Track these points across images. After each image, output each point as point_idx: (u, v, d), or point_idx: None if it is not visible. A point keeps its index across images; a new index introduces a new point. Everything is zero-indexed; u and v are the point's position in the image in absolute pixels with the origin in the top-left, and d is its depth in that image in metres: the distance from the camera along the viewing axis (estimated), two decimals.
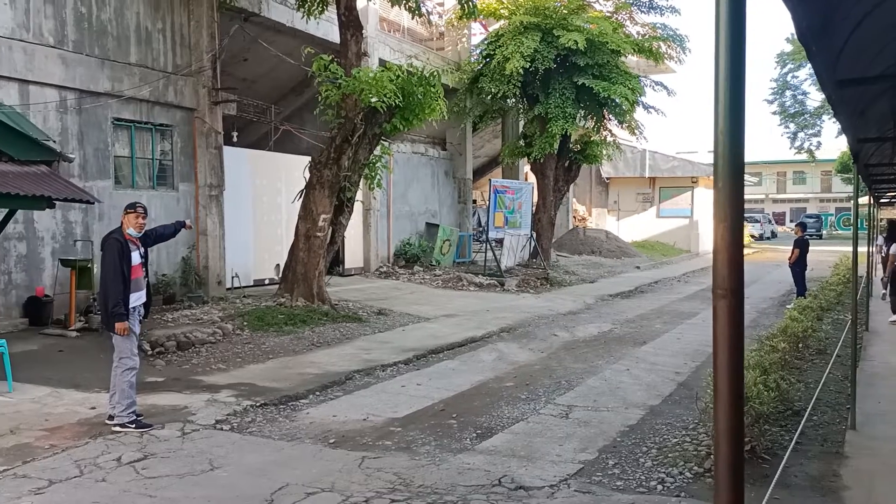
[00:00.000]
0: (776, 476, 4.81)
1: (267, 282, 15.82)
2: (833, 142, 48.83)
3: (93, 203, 9.75)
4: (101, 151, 11.98)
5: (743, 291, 1.57)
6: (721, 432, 1.58)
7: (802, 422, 6.25)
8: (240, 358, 9.40)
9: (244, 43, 15.02)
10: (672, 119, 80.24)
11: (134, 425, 6.37)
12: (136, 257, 6.59)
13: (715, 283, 1.58)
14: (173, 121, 13.33)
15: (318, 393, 7.97)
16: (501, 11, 20.25)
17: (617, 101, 19.52)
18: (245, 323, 10.97)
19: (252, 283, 15.54)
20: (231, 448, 6.07)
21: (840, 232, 56.34)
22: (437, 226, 21.84)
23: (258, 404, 7.33)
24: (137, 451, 5.87)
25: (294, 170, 14.68)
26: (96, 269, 10.73)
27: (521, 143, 21.51)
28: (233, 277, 14.75)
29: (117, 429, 6.35)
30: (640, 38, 21.25)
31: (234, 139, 15.89)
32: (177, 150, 13.45)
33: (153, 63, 12.84)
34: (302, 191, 12.84)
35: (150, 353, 9.17)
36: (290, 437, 6.42)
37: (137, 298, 6.64)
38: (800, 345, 9.32)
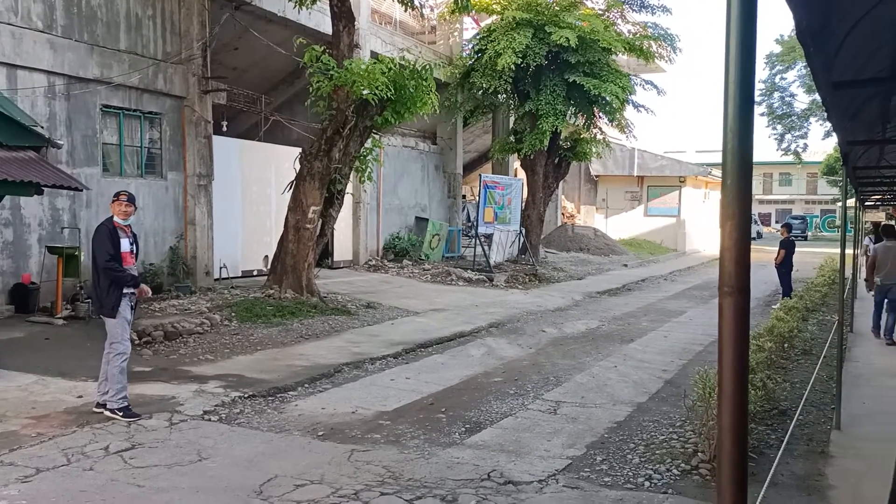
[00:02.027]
0: (770, 475, 4.85)
1: (255, 273, 15.75)
2: (819, 144, 49.27)
3: (81, 190, 9.66)
4: (90, 138, 11.87)
5: (749, 289, 1.57)
6: (725, 429, 1.58)
7: (793, 422, 6.31)
8: (228, 349, 9.36)
9: (235, 32, 14.91)
10: (661, 118, 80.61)
11: (122, 413, 6.34)
12: (125, 244, 6.59)
13: (721, 280, 1.58)
14: (162, 109, 13.22)
15: (306, 385, 7.95)
16: (494, 6, 20.23)
17: (607, 98, 19.55)
18: (233, 314, 10.92)
19: (240, 274, 15.47)
20: (219, 439, 6.05)
21: (825, 234, 56.86)
22: (427, 220, 21.82)
23: (246, 395, 7.31)
24: (125, 441, 5.84)
25: (284, 161, 14.61)
26: (84, 256, 10.65)
27: (512, 139, 21.52)
28: (221, 268, 14.67)
29: (109, 413, 6.33)
30: (631, 36, 21.30)
31: (224, 129, 15.78)
32: (166, 139, 13.34)
33: (143, 50, 12.72)
34: (292, 182, 12.78)
35: (137, 342, 9.09)
36: (279, 429, 6.40)
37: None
38: (785, 345, 9.40)
